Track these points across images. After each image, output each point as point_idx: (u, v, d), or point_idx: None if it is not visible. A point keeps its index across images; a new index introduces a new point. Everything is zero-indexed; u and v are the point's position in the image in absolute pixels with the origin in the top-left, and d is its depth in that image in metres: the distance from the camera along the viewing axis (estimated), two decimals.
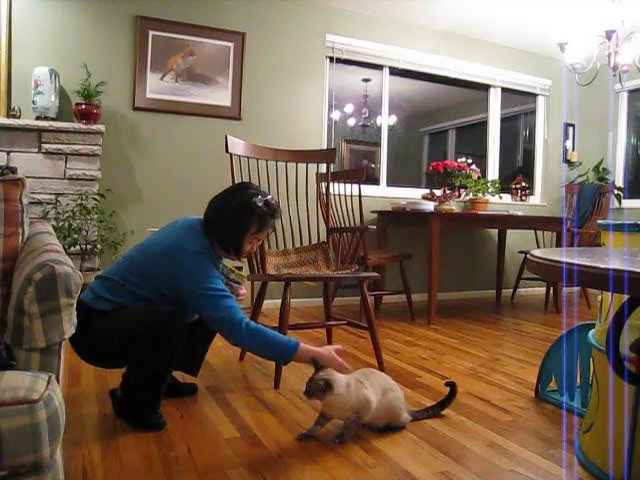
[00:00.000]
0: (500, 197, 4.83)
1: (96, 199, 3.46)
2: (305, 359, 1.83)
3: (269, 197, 2.00)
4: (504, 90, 5.38)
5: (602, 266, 0.96)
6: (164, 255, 1.86)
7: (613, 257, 1.23)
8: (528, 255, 1.36)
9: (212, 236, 1.95)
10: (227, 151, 2.64)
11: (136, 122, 3.85)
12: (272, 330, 1.87)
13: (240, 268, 3.98)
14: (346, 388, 1.75)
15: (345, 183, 3.56)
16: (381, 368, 2.55)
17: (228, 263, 2.17)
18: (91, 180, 3.50)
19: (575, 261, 1.03)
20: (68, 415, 1.23)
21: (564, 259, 1.07)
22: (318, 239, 3.00)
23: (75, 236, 3.27)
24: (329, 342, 3.00)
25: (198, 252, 1.86)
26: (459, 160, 4.64)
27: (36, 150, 3.37)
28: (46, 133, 3.37)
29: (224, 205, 1.95)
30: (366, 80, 4.92)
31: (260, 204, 1.94)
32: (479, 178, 4.54)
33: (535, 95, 5.59)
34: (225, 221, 1.93)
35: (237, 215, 1.93)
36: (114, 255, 3.42)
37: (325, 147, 4.47)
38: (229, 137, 2.66)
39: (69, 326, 1.26)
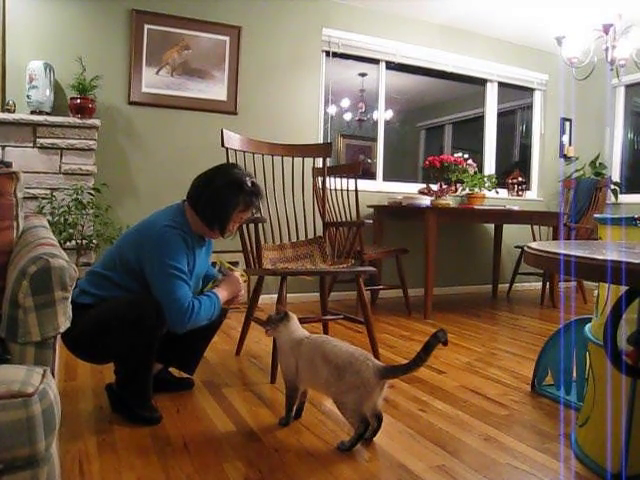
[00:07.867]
0: (497, 192, 4.83)
1: (92, 194, 3.44)
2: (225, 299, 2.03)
3: (255, 179, 2.03)
4: (501, 85, 5.37)
5: (600, 257, 0.95)
6: (135, 232, 1.92)
7: (611, 249, 1.23)
8: (526, 247, 1.35)
9: (198, 213, 1.94)
10: (223, 145, 2.63)
11: (132, 116, 3.82)
12: (202, 297, 1.89)
13: (236, 264, 3.98)
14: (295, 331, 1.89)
15: (342, 178, 3.56)
16: None
17: (224, 260, 2.15)
18: (87, 175, 3.48)
19: (573, 253, 1.03)
20: (64, 409, 1.23)
21: (562, 251, 1.07)
22: (314, 233, 2.99)
23: (71, 231, 3.26)
24: None
25: (168, 225, 1.85)
26: (455, 155, 4.63)
27: (31, 145, 3.34)
28: (41, 127, 3.34)
29: (210, 182, 1.96)
30: (362, 74, 4.90)
31: (249, 184, 1.97)
32: (475, 173, 4.53)
33: (532, 90, 5.58)
34: (212, 197, 1.93)
35: (226, 192, 1.94)
36: None
37: (321, 142, 4.46)
38: (225, 131, 2.65)
39: (64, 320, 1.25)
